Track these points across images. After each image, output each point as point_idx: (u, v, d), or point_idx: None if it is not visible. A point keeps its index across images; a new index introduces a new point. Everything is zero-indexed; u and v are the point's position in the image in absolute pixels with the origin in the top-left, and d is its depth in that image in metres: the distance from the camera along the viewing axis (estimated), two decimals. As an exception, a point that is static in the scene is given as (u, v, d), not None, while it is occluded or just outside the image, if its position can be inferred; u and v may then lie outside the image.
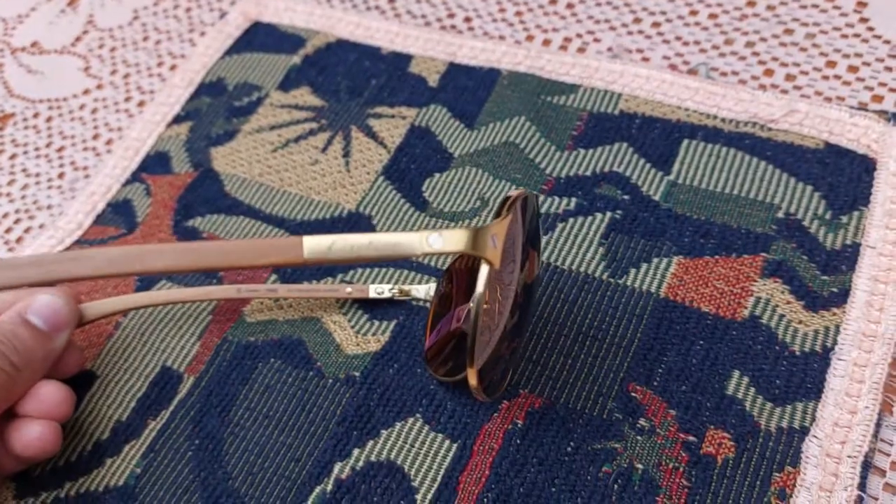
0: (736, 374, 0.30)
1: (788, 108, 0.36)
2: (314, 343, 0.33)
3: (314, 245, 0.28)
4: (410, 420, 0.30)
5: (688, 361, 0.30)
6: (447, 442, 0.30)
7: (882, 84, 0.37)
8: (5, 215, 0.41)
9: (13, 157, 0.43)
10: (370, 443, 0.30)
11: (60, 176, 0.42)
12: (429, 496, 0.29)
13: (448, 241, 0.27)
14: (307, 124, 0.41)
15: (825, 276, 0.32)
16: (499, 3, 0.45)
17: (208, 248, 0.30)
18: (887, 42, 0.39)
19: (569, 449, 0.29)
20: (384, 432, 0.30)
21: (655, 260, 0.33)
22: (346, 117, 0.40)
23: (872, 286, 0.31)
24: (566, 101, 0.39)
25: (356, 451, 0.30)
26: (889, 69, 0.38)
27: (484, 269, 0.25)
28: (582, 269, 0.33)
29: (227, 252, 0.30)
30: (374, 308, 0.34)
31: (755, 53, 0.40)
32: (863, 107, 0.37)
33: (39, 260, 0.31)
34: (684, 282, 0.32)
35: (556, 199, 0.36)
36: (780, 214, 0.33)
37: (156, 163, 0.41)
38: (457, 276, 0.32)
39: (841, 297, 0.31)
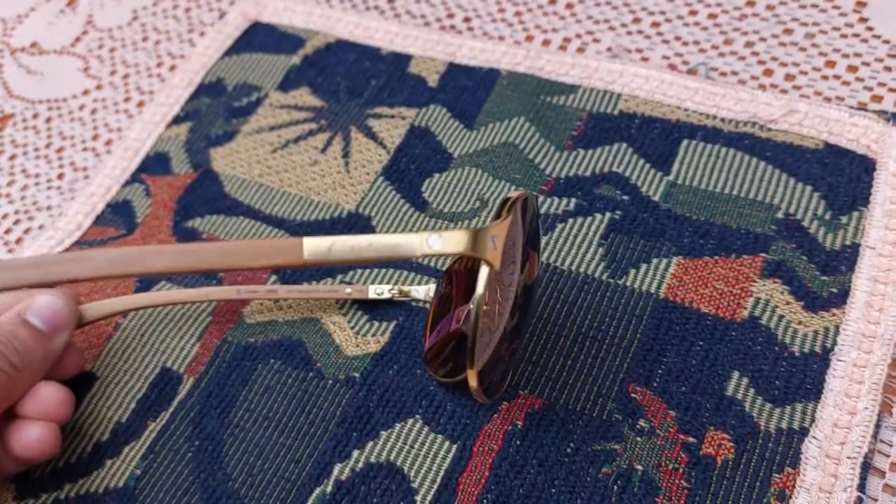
0: (735, 374, 0.30)
1: (788, 109, 0.36)
2: (314, 344, 0.33)
3: (314, 246, 0.28)
4: (410, 421, 0.30)
5: (687, 362, 0.30)
6: (447, 443, 0.30)
7: (881, 84, 0.37)
8: (5, 216, 0.41)
9: (13, 157, 0.43)
10: (370, 444, 0.30)
11: (60, 177, 0.42)
12: (428, 497, 0.29)
13: (448, 242, 0.27)
14: (307, 125, 0.41)
15: (825, 276, 0.32)
16: (498, 3, 0.45)
17: (208, 249, 0.30)
18: (886, 42, 0.39)
19: (568, 450, 0.29)
20: (384, 433, 0.30)
21: (655, 260, 0.33)
22: (345, 118, 0.40)
23: (872, 287, 0.31)
24: (565, 102, 0.39)
25: (356, 453, 0.30)
26: (888, 69, 0.38)
27: (484, 271, 0.25)
28: (581, 270, 0.33)
29: (227, 253, 0.30)
30: (373, 309, 0.34)
31: (755, 53, 0.40)
32: (862, 107, 0.37)
33: (39, 261, 0.31)
34: (684, 282, 0.32)
35: (556, 199, 0.36)
36: (780, 215, 0.33)
37: (155, 163, 0.41)
38: (456, 276, 0.32)
39: (840, 298, 0.31)
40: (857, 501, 0.27)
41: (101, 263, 0.30)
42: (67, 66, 0.47)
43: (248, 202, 0.38)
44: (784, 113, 0.36)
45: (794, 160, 0.35)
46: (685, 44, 0.41)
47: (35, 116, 0.45)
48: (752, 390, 0.29)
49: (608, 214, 0.35)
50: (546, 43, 0.42)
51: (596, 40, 0.42)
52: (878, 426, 0.28)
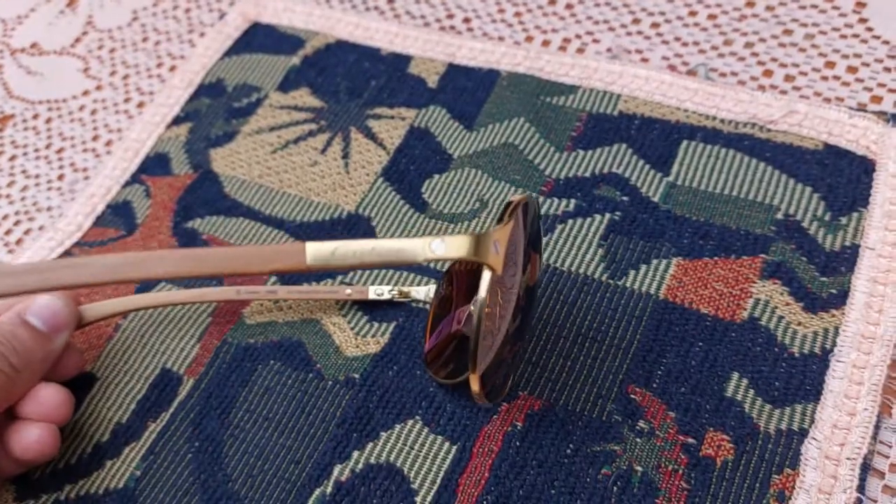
0: (735, 375, 0.30)
1: (787, 109, 0.36)
2: (314, 345, 0.33)
3: (317, 251, 0.28)
4: (410, 422, 0.30)
5: (687, 363, 0.30)
6: (447, 444, 0.30)
7: (881, 85, 0.37)
8: (5, 217, 0.41)
9: (13, 158, 0.43)
10: (370, 445, 0.30)
11: (60, 177, 0.42)
12: (428, 498, 0.29)
13: (450, 247, 0.27)
14: (306, 125, 0.41)
15: (824, 277, 0.32)
16: (498, 3, 0.45)
17: (209, 254, 0.30)
18: (886, 43, 0.39)
19: (568, 451, 0.29)
20: (384, 434, 0.30)
21: (655, 261, 0.33)
22: (345, 118, 0.40)
23: (871, 288, 0.31)
24: (565, 102, 0.39)
25: (356, 454, 0.30)
26: (888, 70, 0.38)
27: (486, 275, 0.25)
28: (581, 271, 0.33)
29: (228, 258, 0.30)
30: (373, 309, 0.34)
31: (754, 54, 0.40)
32: (862, 108, 0.37)
33: (37, 267, 0.30)
34: (683, 283, 0.32)
35: (556, 200, 0.36)
36: (780, 216, 0.34)
37: (155, 164, 0.41)
38: (457, 277, 0.32)
39: (840, 299, 0.31)
40: (856, 502, 0.27)
41: (100, 269, 0.30)
42: (67, 67, 0.47)
43: (248, 203, 0.38)
44: (784, 114, 0.36)
45: (794, 161, 0.35)
46: (685, 45, 0.41)
47: (35, 117, 0.45)
48: (751, 391, 0.30)
49: (608, 215, 0.35)
50: (546, 43, 0.42)
51: (595, 41, 0.42)
52: (877, 427, 0.28)
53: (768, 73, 0.39)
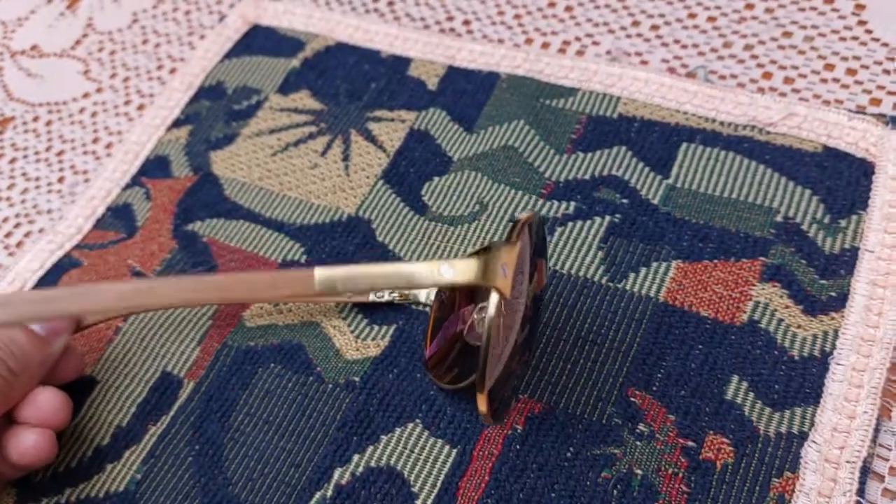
0: (735, 378, 0.30)
1: (787, 112, 0.36)
2: (314, 348, 0.33)
3: (326, 277, 0.28)
4: (410, 425, 0.31)
5: (687, 366, 0.30)
6: (447, 447, 0.30)
7: (880, 87, 0.37)
8: (5, 219, 0.41)
9: (13, 161, 0.43)
10: (370, 448, 0.30)
11: (60, 180, 0.42)
12: (429, 501, 0.29)
13: (459, 271, 0.27)
14: (306, 128, 0.41)
15: (824, 280, 0.32)
16: (497, 6, 0.45)
17: (217, 281, 0.31)
18: (885, 45, 0.39)
19: (568, 454, 0.29)
20: (384, 438, 0.30)
21: (654, 264, 0.33)
22: (345, 121, 0.41)
23: (871, 290, 0.31)
24: (565, 105, 0.39)
25: (356, 457, 0.30)
26: (887, 72, 0.38)
27: (494, 298, 0.25)
28: (581, 274, 0.33)
29: (237, 284, 0.30)
30: (373, 312, 0.34)
31: (754, 56, 0.40)
32: (861, 110, 0.37)
33: (48, 297, 0.30)
34: (683, 286, 0.32)
35: (555, 203, 0.36)
36: (779, 218, 0.34)
37: (155, 167, 0.41)
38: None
39: (839, 302, 0.31)
40: (856, 505, 0.27)
41: (110, 297, 0.30)
42: (67, 69, 0.47)
43: (248, 205, 0.38)
44: (783, 116, 0.36)
45: (793, 163, 0.35)
46: (684, 47, 0.41)
47: (35, 119, 0.45)
48: (751, 394, 0.30)
49: (607, 218, 0.35)
50: (545, 46, 0.42)
51: (595, 43, 0.42)
52: (877, 430, 0.28)
53: (767, 76, 0.39)
